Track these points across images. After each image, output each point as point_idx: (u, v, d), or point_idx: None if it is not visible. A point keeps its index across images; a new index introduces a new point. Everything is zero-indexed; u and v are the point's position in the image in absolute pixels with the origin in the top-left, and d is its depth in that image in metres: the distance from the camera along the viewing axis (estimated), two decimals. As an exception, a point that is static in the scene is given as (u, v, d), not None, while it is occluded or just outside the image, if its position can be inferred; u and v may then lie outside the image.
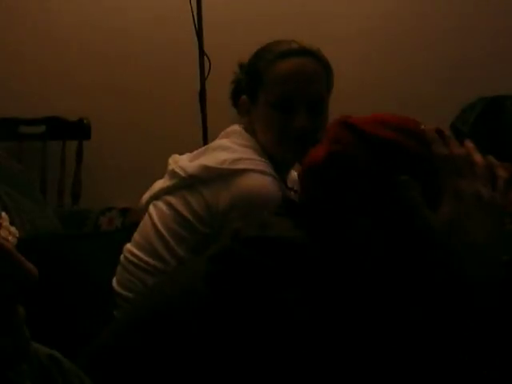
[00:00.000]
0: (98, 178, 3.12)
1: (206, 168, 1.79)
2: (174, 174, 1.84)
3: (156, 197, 1.86)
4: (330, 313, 1.11)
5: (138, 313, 1.25)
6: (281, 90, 1.81)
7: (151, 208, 1.85)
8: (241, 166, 1.77)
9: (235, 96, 1.95)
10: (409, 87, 3.28)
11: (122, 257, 1.84)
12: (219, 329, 1.13)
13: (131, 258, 1.82)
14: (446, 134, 1.25)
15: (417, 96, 3.26)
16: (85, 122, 3.19)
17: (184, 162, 1.84)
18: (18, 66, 3.23)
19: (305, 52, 1.83)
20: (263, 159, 1.81)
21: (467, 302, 1.13)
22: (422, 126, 1.24)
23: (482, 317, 1.13)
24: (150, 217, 1.83)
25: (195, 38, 2.79)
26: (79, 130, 3.20)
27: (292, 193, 1.85)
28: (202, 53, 2.81)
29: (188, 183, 1.80)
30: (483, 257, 1.13)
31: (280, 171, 1.83)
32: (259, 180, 1.76)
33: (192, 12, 2.75)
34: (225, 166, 1.78)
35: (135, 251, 1.82)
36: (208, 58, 2.79)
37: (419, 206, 1.16)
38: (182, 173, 1.81)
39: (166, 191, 1.84)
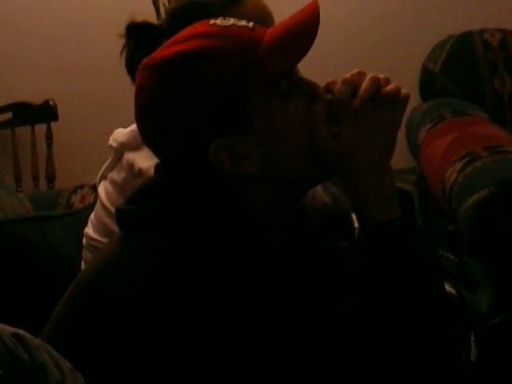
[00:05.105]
0: (71, 158, 3.08)
1: (133, 132, 1.67)
2: (110, 148, 1.75)
3: (102, 176, 1.80)
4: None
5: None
6: None
7: (100, 188, 1.79)
8: None
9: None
10: (379, 28, 3.24)
11: (83, 241, 1.80)
12: None
13: (90, 241, 1.77)
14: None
15: (387, 37, 3.23)
16: (51, 103, 3.14)
17: (117, 133, 1.74)
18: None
19: None
20: None
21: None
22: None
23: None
24: (99, 197, 1.77)
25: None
26: (46, 112, 3.14)
27: None
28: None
29: (121, 152, 1.72)
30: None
31: None
32: None
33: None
34: None
35: (92, 234, 1.76)
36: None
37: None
38: (113, 143, 1.72)
39: (108, 168, 1.78)
